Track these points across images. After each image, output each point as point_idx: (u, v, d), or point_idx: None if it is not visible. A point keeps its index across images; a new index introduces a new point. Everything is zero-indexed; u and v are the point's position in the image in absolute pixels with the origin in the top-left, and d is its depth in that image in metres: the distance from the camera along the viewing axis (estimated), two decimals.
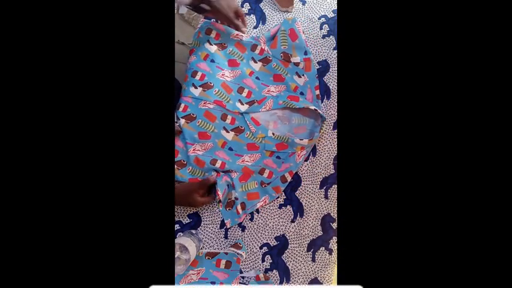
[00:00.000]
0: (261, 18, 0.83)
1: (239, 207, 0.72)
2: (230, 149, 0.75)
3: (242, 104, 0.77)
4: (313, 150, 0.78)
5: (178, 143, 0.75)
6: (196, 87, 0.75)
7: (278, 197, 0.75)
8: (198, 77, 0.75)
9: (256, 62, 0.79)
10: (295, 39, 0.80)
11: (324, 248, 0.75)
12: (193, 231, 0.72)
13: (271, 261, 0.74)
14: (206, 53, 0.78)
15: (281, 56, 0.79)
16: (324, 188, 0.76)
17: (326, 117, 0.78)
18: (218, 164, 0.73)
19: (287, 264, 0.74)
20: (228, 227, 0.74)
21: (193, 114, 0.75)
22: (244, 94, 0.77)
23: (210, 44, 0.78)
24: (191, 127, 0.74)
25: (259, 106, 0.77)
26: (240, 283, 0.69)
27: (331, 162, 0.77)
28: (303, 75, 0.79)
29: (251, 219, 0.75)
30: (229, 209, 0.73)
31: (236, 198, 0.73)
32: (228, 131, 0.75)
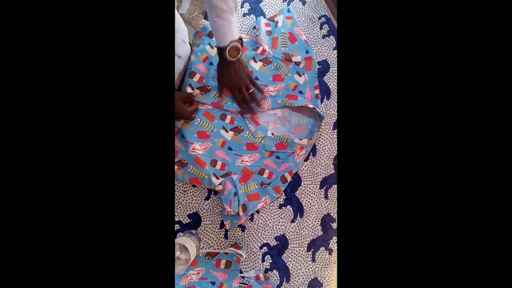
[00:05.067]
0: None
1: (240, 209, 0.72)
2: (229, 148, 0.75)
3: None
4: (313, 150, 0.78)
5: (178, 143, 0.75)
6: (193, 89, 0.75)
7: (278, 197, 0.75)
8: (196, 79, 0.75)
9: (257, 62, 0.79)
10: (295, 41, 0.80)
11: (324, 248, 0.75)
12: (193, 231, 0.72)
13: (271, 261, 0.74)
14: (206, 55, 0.78)
15: (282, 56, 0.79)
16: (324, 188, 0.76)
17: (326, 117, 0.78)
18: (218, 166, 0.73)
19: (287, 264, 0.74)
20: (228, 228, 0.74)
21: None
22: None
23: (211, 47, 0.78)
24: (190, 126, 0.74)
25: (257, 106, 0.77)
26: (240, 283, 0.69)
27: (331, 162, 0.77)
28: (304, 74, 0.79)
29: (251, 219, 0.75)
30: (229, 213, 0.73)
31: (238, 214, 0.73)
32: (227, 131, 0.75)
